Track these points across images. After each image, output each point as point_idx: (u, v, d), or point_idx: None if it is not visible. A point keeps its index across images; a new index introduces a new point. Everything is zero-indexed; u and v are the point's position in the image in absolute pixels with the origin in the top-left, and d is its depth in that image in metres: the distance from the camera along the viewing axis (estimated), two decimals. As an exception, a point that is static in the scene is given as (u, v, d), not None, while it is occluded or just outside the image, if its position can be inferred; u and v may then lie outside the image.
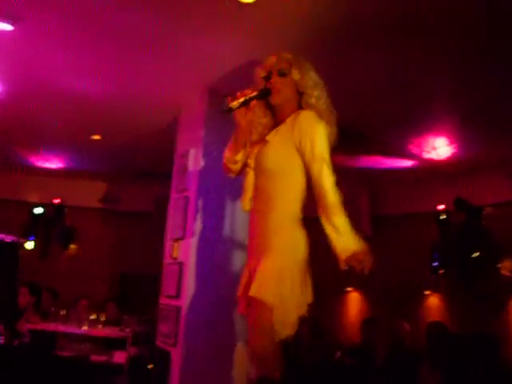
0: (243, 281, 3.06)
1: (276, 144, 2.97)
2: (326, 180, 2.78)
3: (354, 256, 2.71)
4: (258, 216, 3.00)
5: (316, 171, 2.82)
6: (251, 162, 3.10)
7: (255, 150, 3.10)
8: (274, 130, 3.04)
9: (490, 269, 7.05)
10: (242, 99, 2.96)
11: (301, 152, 2.90)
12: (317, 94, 3.01)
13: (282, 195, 2.94)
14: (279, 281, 2.76)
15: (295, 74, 3.01)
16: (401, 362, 5.82)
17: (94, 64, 4.94)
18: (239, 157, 3.17)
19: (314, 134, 2.87)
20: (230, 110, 2.98)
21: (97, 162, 8.57)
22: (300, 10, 3.79)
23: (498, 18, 3.75)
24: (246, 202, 3.13)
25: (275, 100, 3.04)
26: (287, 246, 2.88)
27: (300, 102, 3.06)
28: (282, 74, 3.03)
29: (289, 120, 3.00)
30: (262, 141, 3.07)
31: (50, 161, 8.61)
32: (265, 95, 3.04)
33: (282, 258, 2.83)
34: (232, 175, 3.30)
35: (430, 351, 5.38)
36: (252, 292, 2.75)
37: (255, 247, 2.99)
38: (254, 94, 2.99)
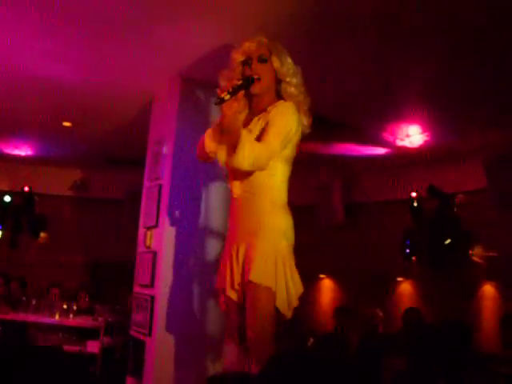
0: (227, 270, 3.01)
1: (257, 133, 2.95)
2: (254, 149, 2.79)
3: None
4: (243, 201, 2.99)
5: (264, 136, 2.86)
6: None
7: None
8: (256, 119, 3.01)
9: (462, 255, 7.14)
10: (230, 90, 2.88)
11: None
12: (295, 83, 3.00)
13: (267, 181, 2.95)
14: (277, 265, 2.80)
15: (275, 61, 2.99)
16: (374, 349, 5.86)
17: (65, 50, 4.83)
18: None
19: (279, 119, 2.89)
20: (222, 101, 2.89)
21: (67, 149, 8.43)
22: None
23: (473, 12, 3.76)
24: (234, 190, 3.08)
25: (256, 88, 3.01)
26: (279, 230, 2.91)
27: (278, 90, 3.03)
28: (263, 61, 3.00)
29: (270, 109, 2.97)
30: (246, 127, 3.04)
31: (20, 148, 8.46)
32: (249, 84, 3.00)
33: (276, 242, 2.86)
34: (204, 162, 3.29)
35: (401, 336, 5.43)
36: (253, 277, 2.75)
37: (241, 232, 2.97)
38: (240, 83, 2.92)
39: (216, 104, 2.94)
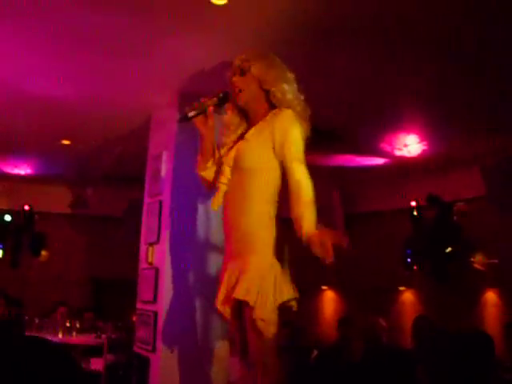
0: (225, 285, 3.02)
1: (255, 142, 2.97)
2: (302, 178, 2.82)
3: (315, 236, 2.64)
4: (233, 215, 2.99)
5: (292, 170, 2.85)
6: (228, 160, 3.07)
7: (233, 149, 3.07)
8: (253, 128, 3.03)
9: (463, 263, 7.14)
10: (197, 108, 3.04)
11: (277, 153, 2.91)
12: (282, 88, 2.99)
13: (259, 194, 2.95)
14: (263, 280, 2.76)
15: (255, 70, 3.01)
16: (378, 360, 5.84)
17: (63, 68, 4.85)
18: (209, 164, 3.23)
19: (291, 136, 2.89)
20: (186, 118, 3.06)
21: (66, 167, 8.44)
22: (273, 10, 3.76)
23: (473, 20, 3.79)
24: (216, 202, 3.09)
25: (239, 100, 3.07)
26: (269, 245, 2.89)
27: (268, 98, 3.05)
28: (242, 73, 3.03)
29: (268, 118, 2.99)
30: (240, 139, 3.06)
31: (19, 167, 8.47)
32: (224, 100, 3.10)
33: (265, 257, 2.85)
34: (206, 185, 3.33)
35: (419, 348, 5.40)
36: (235, 294, 2.75)
37: (233, 247, 2.98)
38: (210, 101, 3.06)
39: (179, 121, 3.14)
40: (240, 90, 3.04)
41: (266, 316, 2.72)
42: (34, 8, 3.83)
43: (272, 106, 3.06)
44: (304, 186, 2.80)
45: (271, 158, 2.93)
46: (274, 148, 2.91)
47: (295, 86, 3.06)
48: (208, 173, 3.26)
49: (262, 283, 2.75)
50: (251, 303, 2.71)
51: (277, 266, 2.86)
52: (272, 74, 3.01)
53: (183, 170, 4.90)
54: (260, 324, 2.72)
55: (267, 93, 3.03)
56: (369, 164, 7.43)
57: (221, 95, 3.10)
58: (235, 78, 3.06)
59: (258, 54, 3.08)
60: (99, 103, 5.67)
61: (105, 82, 5.13)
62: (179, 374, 4.44)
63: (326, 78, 4.80)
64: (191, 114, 3.06)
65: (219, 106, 3.15)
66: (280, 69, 3.06)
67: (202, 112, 3.10)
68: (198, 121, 3.13)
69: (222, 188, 3.07)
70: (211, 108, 3.11)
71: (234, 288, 2.83)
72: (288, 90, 3.00)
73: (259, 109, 3.06)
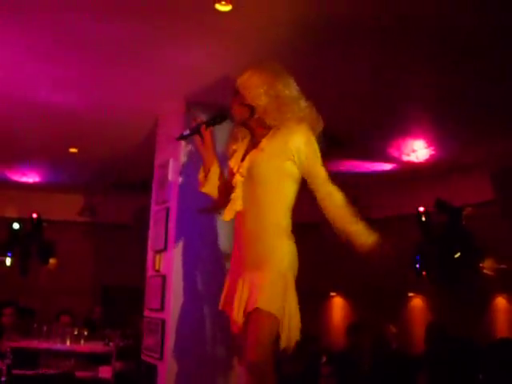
0: (227, 293, 3.03)
1: (269, 153, 2.94)
2: (338, 197, 2.92)
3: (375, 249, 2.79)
4: (247, 225, 2.97)
5: (324, 193, 2.92)
6: (241, 171, 3.05)
7: (246, 160, 3.05)
8: (266, 138, 3.00)
9: (472, 269, 7.09)
10: (192, 127, 3.19)
11: (299, 167, 2.93)
12: (264, 104, 2.95)
13: (274, 204, 2.94)
14: (284, 295, 2.78)
15: (242, 90, 3.00)
16: (388, 366, 5.82)
17: (70, 76, 4.87)
18: (210, 180, 3.25)
19: (311, 153, 2.92)
20: (182, 137, 3.25)
21: (74, 174, 8.48)
22: (278, 16, 3.76)
23: (481, 26, 3.77)
24: (228, 213, 3.08)
25: (234, 121, 3.14)
26: (285, 256, 2.89)
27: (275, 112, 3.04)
28: (234, 94, 3.06)
29: (283, 128, 2.95)
30: (251, 149, 3.04)
31: (27, 175, 8.51)
32: (219, 120, 3.18)
33: (282, 269, 2.84)
34: (215, 200, 3.36)
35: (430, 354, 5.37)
36: (260, 304, 2.72)
37: (245, 257, 2.95)
38: (204, 121, 3.18)
39: (177, 139, 3.33)
40: (234, 112, 3.09)
41: (288, 330, 2.78)
42: (42, 17, 3.86)
43: (278, 117, 3.04)
44: (345, 208, 2.92)
45: (286, 169, 2.92)
46: (293, 161, 2.92)
47: (288, 92, 3.02)
48: (209, 189, 3.27)
49: (283, 296, 2.78)
50: (274, 312, 2.72)
51: (292, 278, 2.88)
52: (258, 89, 2.96)
53: (190, 177, 4.89)
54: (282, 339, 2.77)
55: (253, 109, 3.02)
56: (377, 169, 7.40)
57: (217, 116, 3.19)
58: (232, 100, 3.09)
59: (248, 73, 3.05)
60: (106, 111, 5.69)
61: (112, 90, 5.15)
62: (186, 382, 4.43)
63: (332, 84, 4.79)
64: (186, 133, 3.22)
65: (213, 125, 3.21)
66: (270, 80, 3.00)
67: (196, 132, 3.19)
68: (196, 139, 3.22)
69: (235, 199, 3.06)
70: (204, 127, 3.17)
71: (250, 298, 2.81)
72: (271, 107, 2.96)
73: (257, 124, 3.05)
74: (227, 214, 3.07)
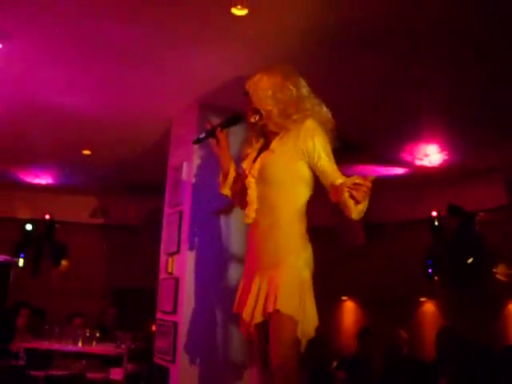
0: (242, 295, 3.04)
1: (279, 154, 2.97)
2: (330, 169, 2.86)
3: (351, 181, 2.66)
4: (262, 227, 2.98)
5: (321, 167, 2.89)
6: (253, 172, 3.07)
7: (257, 161, 3.07)
8: (277, 139, 3.02)
9: (485, 274, 7.06)
10: (207, 130, 3.27)
11: (310, 164, 2.93)
12: (270, 109, 3.00)
13: (286, 205, 2.95)
14: (300, 295, 2.81)
15: (251, 90, 3.05)
16: (399, 371, 5.78)
17: (84, 79, 4.91)
18: (228, 182, 3.31)
19: (318, 143, 2.90)
20: (198, 140, 3.35)
21: (87, 176, 8.51)
22: (293, 21, 3.78)
23: (493, 28, 3.77)
24: (249, 215, 3.08)
25: (249, 121, 3.13)
26: (301, 255, 2.90)
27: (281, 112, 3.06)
28: (244, 95, 3.09)
29: (290, 128, 2.98)
30: (263, 150, 3.05)
31: (40, 177, 8.54)
32: (233, 122, 3.26)
33: (299, 271, 2.86)
34: (235, 202, 3.46)
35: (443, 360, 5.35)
36: (280, 306, 2.74)
37: (260, 258, 2.96)
38: (219, 123, 3.25)
39: (193, 143, 3.43)
40: (246, 112, 3.12)
41: (304, 331, 2.81)
42: (56, 21, 3.89)
43: (287, 117, 3.05)
44: (336, 177, 2.83)
45: (298, 169, 2.94)
46: (304, 161, 2.93)
47: (297, 91, 3.03)
48: (228, 190, 3.34)
49: (300, 298, 2.80)
50: (292, 313, 2.75)
51: (309, 280, 2.90)
52: (267, 91, 3.00)
53: (203, 180, 4.92)
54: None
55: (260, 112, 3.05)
56: (389, 174, 7.38)
57: (231, 118, 3.26)
58: (244, 102, 3.12)
59: (258, 75, 3.08)
60: (120, 114, 5.72)
61: (125, 92, 5.17)
62: (199, 385, 4.43)
63: (345, 87, 4.79)
64: (201, 136, 3.30)
65: (228, 127, 3.27)
66: (276, 89, 3.01)
67: (212, 134, 3.24)
68: (212, 142, 3.27)
69: (251, 202, 3.07)
70: (219, 130, 3.23)
71: (268, 298, 2.82)
72: (273, 109, 2.99)
73: (269, 124, 3.06)
74: (249, 217, 3.09)
